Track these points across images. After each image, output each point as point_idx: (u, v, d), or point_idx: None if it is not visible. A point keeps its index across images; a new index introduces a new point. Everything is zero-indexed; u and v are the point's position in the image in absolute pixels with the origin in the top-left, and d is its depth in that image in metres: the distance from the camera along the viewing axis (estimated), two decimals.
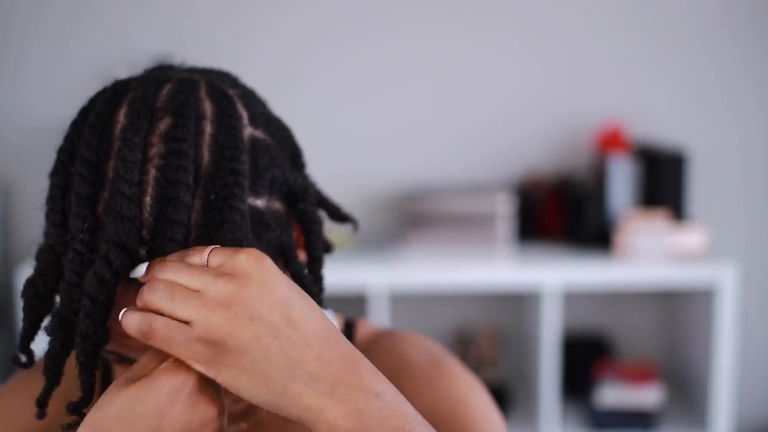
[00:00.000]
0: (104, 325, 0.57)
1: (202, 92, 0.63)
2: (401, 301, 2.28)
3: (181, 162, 0.59)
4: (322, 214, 0.73)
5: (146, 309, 0.56)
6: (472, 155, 2.30)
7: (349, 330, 0.80)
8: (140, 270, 0.57)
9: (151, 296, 0.55)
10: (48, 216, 0.61)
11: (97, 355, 0.57)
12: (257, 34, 2.24)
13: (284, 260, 0.65)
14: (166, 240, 0.58)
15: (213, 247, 0.57)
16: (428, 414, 0.72)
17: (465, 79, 2.28)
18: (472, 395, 0.75)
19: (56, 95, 2.25)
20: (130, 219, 0.57)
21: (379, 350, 0.77)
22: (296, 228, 0.69)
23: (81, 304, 0.57)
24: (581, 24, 2.26)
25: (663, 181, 2.11)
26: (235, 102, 0.64)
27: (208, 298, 0.54)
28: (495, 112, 2.29)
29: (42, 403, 0.61)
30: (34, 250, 0.62)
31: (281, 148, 0.67)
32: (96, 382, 0.59)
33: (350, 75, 2.26)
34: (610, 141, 2.16)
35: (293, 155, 0.69)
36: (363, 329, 0.81)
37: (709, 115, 2.29)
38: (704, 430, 2.06)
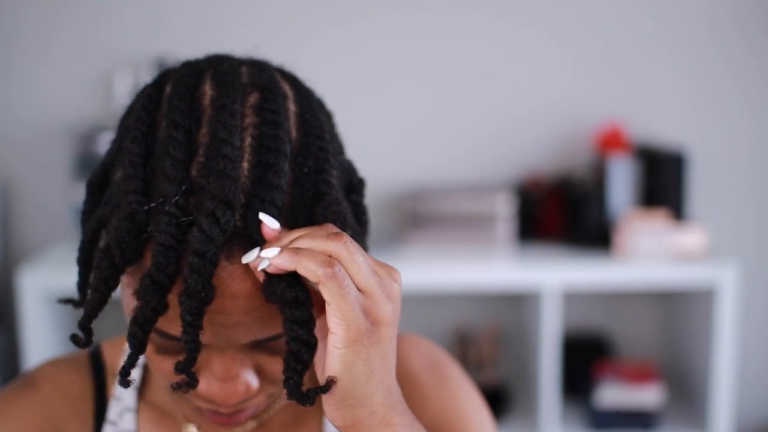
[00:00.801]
0: (211, 283, 0.56)
1: (278, 75, 0.66)
2: (401, 301, 2.28)
3: (277, 131, 0.60)
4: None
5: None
6: (472, 155, 2.30)
7: None
8: (253, 254, 0.57)
9: (339, 247, 0.56)
10: (129, 183, 0.60)
11: (202, 313, 0.56)
12: (256, 31, 2.24)
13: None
14: (265, 203, 0.58)
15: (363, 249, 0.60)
16: (434, 426, 0.75)
17: (465, 80, 2.28)
18: (474, 411, 0.78)
19: (56, 95, 2.25)
20: (233, 178, 0.57)
21: None
22: None
23: (178, 265, 0.56)
24: (581, 24, 2.26)
25: (663, 181, 2.11)
26: (308, 89, 0.68)
27: (385, 285, 0.59)
28: (495, 112, 2.29)
29: (126, 372, 0.58)
30: (102, 218, 0.61)
31: (338, 137, 0.70)
32: (199, 343, 0.57)
33: (350, 75, 2.26)
34: (610, 141, 2.16)
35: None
36: None
37: (709, 115, 2.29)
38: (704, 430, 2.06)
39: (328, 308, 0.56)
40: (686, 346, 2.22)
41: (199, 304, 0.55)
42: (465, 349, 2.24)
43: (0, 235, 2.24)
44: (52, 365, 0.80)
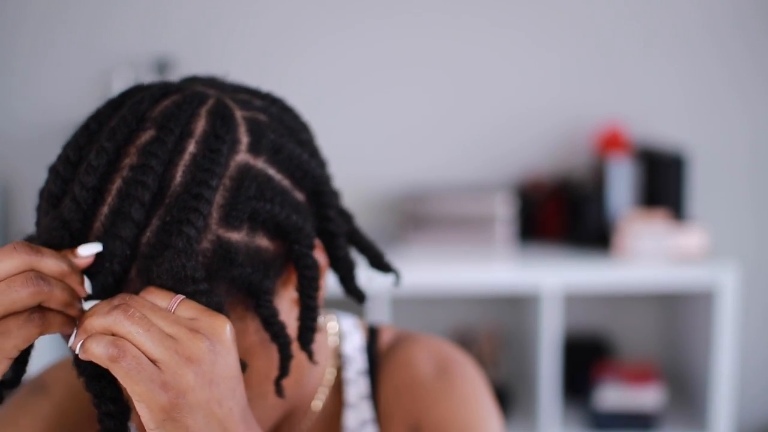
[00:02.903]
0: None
1: (204, 109, 0.61)
2: (401, 302, 2.28)
3: (144, 177, 0.57)
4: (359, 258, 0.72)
5: (107, 333, 0.54)
6: (472, 156, 2.30)
7: (372, 338, 0.80)
8: (87, 305, 0.56)
9: (124, 322, 0.53)
10: (36, 208, 0.61)
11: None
12: (256, 32, 2.24)
13: (255, 302, 0.61)
14: (106, 252, 0.56)
15: (181, 297, 0.56)
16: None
17: (465, 80, 2.28)
18: (482, 416, 0.75)
19: (56, 96, 2.25)
20: (67, 222, 0.56)
21: (394, 360, 0.78)
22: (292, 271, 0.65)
23: None
24: (581, 24, 2.26)
25: (663, 182, 2.11)
26: (238, 126, 0.62)
27: (183, 349, 0.53)
28: (495, 112, 2.29)
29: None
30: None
31: (291, 182, 0.64)
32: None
33: (350, 76, 2.26)
34: (610, 141, 2.16)
35: (315, 193, 0.67)
36: (386, 336, 0.80)
37: (709, 115, 2.29)
38: (704, 430, 2.06)
39: (127, 391, 0.53)
40: (686, 347, 2.22)
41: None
42: (465, 349, 2.23)
43: (0, 235, 2.24)
44: (63, 367, 0.79)
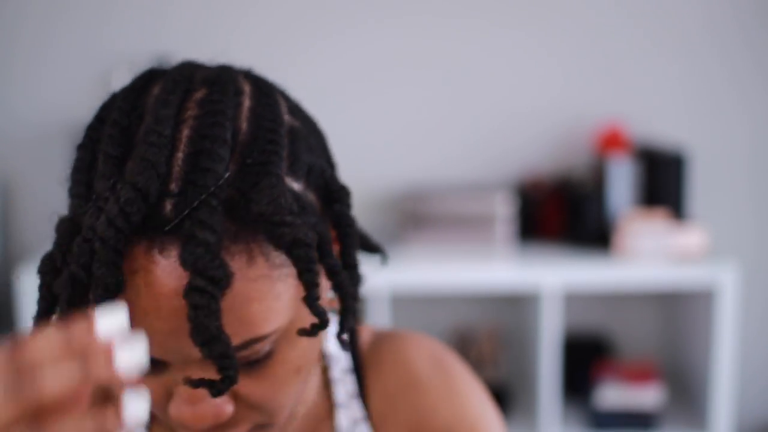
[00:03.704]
0: (117, 271, 0.51)
1: (241, 76, 0.63)
2: (401, 301, 2.28)
3: (218, 119, 0.56)
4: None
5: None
6: (472, 155, 2.30)
7: (351, 335, 0.80)
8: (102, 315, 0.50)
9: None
10: (71, 189, 0.58)
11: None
12: (256, 32, 2.24)
13: (320, 253, 0.59)
14: (197, 187, 0.53)
15: None
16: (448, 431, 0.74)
17: (465, 80, 2.28)
18: (485, 415, 0.76)
19: (56, 96, 2.25)
20: (153, 164, 0.53)
21: (383, 359, 0.77)
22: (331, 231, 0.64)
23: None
24: (581, 24, 2.26)
25: (663, 181, 2.11)
26: (275, 90, 0.63)
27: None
28: (495, 112, 2.29)
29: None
30: (55, 223, 0.59)
31: (318, 147, 0.65)
32: None
33: (350, 75, 2.26)
34: (610, 141, 2.16)
35: (328, 161, 0.67)
36: (364, 334, 0.80)
37: (709, 115, 2.29)
38: (704, 430, 2.06)
39: None
40: (686, 346, 2.22)
41: (106, 294, 0.51)
42: (465, 349, 2.24)
43: (0, 235, 2.24)
44: None
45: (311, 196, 0.61)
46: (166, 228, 0.52)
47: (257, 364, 0.58)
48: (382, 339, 0.79)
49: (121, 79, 2.19)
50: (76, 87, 2.25)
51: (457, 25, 2.26)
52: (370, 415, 0.76)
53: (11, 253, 2.28)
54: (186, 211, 0.53)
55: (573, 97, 2.28)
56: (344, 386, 0.76)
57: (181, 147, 0.56)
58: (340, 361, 0.77)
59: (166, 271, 0.52)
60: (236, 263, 0.54)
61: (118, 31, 2.24)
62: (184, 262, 0.51)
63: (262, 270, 0.55)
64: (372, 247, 0.74)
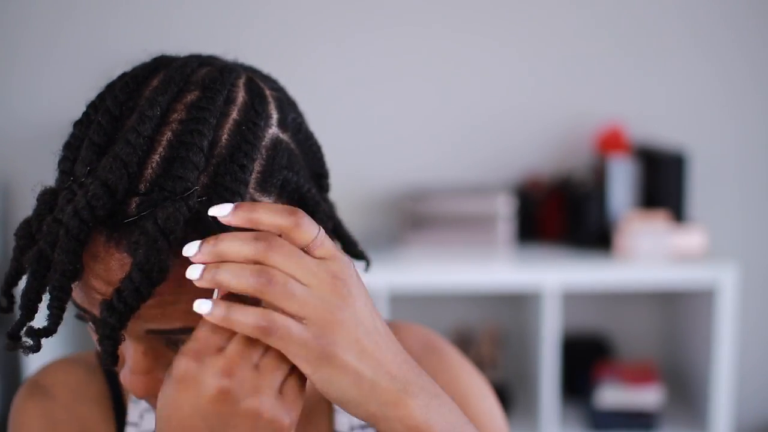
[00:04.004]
0: (77, 259, 0.56)
1: (240, 82, 0.64)
2: (401, 301, 2.28)
3: (199, 127, 0.59)
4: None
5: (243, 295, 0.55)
6: (472, 156, 2.30)
7: None
8: (192, 248, 0.55)
9: (271, 290, 0.54)
10: (60, 161, 0.61)
11: (69, 290, 0.56)
12: (256, 32, 2.24)
13: None
14: (165, 192, 0.56)
15: (320, 230, 0.57)
16: None
17: (465, 80, 2.28)
18: (476, 388, 0.79)
19: (56, 96, 2.25)
20: (125, 164, 0.56)
21: None
22: None
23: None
24: (581, 24, 2.26)
25: (663, 182, 2.12)
26: (269, 102, 0.64)
27: (324, 298, 0.55)
28: (495, 112, 2.29)
29: (11, 336, 0.59)
30: (38, 192, 0.61)
31: (305, 161, 0.67)
32: (62, 317, 0.57)
33: (350, 75, 2.26)
34: (610, 141, 2.16)
35: (318, 175, 0.69)
36: None
37: (709, 115, 2.29)
38: (704, 430, 2.06)
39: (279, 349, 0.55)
40: (686, 346, 2.22)
41: (63, 279, 0.55)
42: (465, 349, 2.24)
43: (0, 235, 2.24)
44: (62, 370, 0.79)
45: None
46: (125, 221, 0.56)
47: None
48: None
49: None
50: (76, 87, 2.25)
51: (456, 25, 2.26)
52: None
53: (11, 253, 2.27)
54: (145, 212, 0.56)
55: (573, 97, 2.28)
56: None
57: (159, 149, 0.58)
58: None
59: (119, 263, 0.56)
60: (182, 270, 0.56)
61: (119, 31, 2.24)
62: (132, 254, 0.55)
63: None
64: (357, 254, 0.75)
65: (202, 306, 0.55)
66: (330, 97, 2.25)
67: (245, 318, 0.54)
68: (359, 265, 0.77)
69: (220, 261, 0.55)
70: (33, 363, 1.97)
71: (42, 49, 2.25)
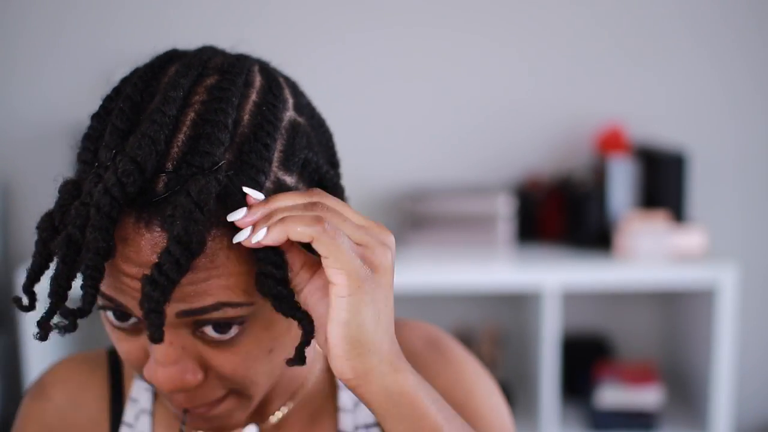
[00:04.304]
0: (109, 237, 0.56)
1: (256, 68, 0.66)
2: (401, 301, 2.28)
3: (222, 105, 0.60)
4: None
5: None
6: (472, 156, 2.30)
7: None
8: (239, 214, 0.57)
9: (323, 211, 0.57)
10: (80, 153, 0.62)
11: (102, 269, 0.56)
12: (256, 32, 2.24)
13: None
14: (192, 168, 0.57)
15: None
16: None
17: (465, 79, 2.28)
18: (480, 383, 0.80)
19: (56, 96, 2.25)
20: (153, 141, 0.57)
21: None
22: None
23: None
24: (581, 24, 2.26)
25: (663, 182, 2.12)
26: (283, 87, 0.66)
27: (377, 234, 0.60)
28: (495, 112, 2.29)
29: (41, 325, 0.58)
30: (59, 184, 0.61)
31: (319, 145, 0.68)
32: (96, 297, 0.56)
33: (349, 75, 2.26)
34: (610, 141, 2.16)
35: (330, 164, 0.70)
36: None
37: (709, 115, 2.29)
38: (704, 430, 2.06)
39: (325, 262, 0.57)
40: (686, 346, 2.22)
41: (96, 257, 0.55)
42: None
43: (0, 235, 2.24)
44: (67, 367, 0.80)
45: (303, 189, 0.64)
46: (154, 200, 0.56)
47: (230, 340, 0.61)
48: None
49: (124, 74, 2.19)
50: (77, 87, 2.25)
51: (457, 25, 2.26)
52: None
53: (11, 253, 2.28)
54: (176, 189, 0.56)
55: (573, 97, 2.28)
56: None
57: (184, 129, 0.59)
58: None
59: (150, 243, 0.57)
60: (216, 244, 0.58)
61: (120, 31, 2.24)
62: (168, 229, 0.55)
63: (232, 253, 0.59)
64: None
65: (259, 235, 0.57)
66: (330, 96, 2.25)
67: (300, 221, 0.56)
68: None
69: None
70: (33, 363, 1.97)
71: (42, 49, 2.25)
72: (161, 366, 0.60)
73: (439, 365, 0.78)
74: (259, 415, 0.75)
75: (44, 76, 2.25)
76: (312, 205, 0.58)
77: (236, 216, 0.57)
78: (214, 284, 0.58)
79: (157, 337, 0.55)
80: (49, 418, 0.77)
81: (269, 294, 0.58)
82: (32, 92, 2.26)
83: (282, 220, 0.57)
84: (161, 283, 0.54)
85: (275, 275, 0.58)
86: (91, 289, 0.56)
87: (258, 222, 0.57)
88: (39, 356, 1.96)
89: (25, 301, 0.60)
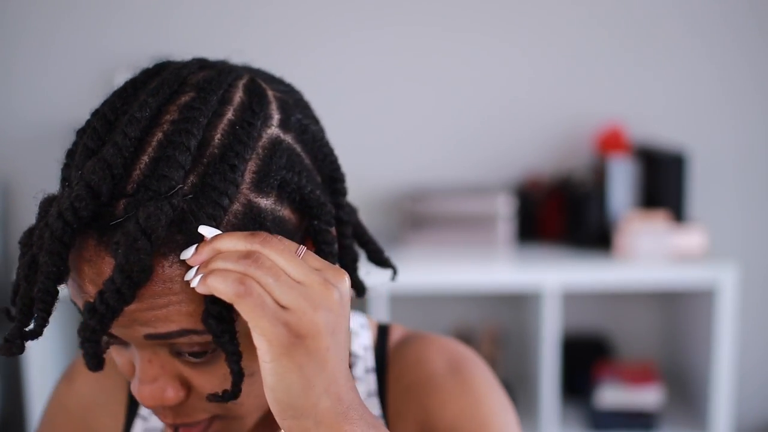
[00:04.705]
0: (62, 261, 0.55)
1: (240, 83, 0.64)
2: (401, 301, 2.28)
3: (188, 126, 0.58)
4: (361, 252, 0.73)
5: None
6: (472, 156, 2.30)
7: (383, 335, 0.80)
8: (188, 252, 0.56)
9: (255, 269, 0.54)
10: (62, 170, 0.61)
11: (54, 292, 0.56)
12: (256, 32, 2.24)
13: None
14: (150, 192, 0.56)
15: (304, 248, 0.58)
16: (454, 429, 0.73)
17: (465, 80, 2.28)
18: (499, 417, 0.75)
19: (56, 96, 2.25)
20: (109, 165, 0.56)
21: (404, 359, 0.78)
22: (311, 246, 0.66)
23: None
24: (581, 24, 2.26)
25: (663, 182, 2.12)
26: (270, 102, 0.64)
27: (315, 296, 0.56)
28: (495, 112, 2.29)
29: (8, 340, 0.58)
30: (40, 200, 0.61)
31: (312, 162, 0.66)
32: (48, 320, 0.57)
33: (350, 75, 2.26)
34: (610, 141, 2.16)
35: (331, 178, 0.69)
36: (395, 334, 0.81)
37: (709, 115, 2.29)
38: (704, 430, 2.06)
39: (248, 324, 0.55)
40: (686, 346, 2.22)
41: (47, 281, 0.55)
42: None
43: (0, 235, 2.24)
44: None
45: (285, 211, 0.62)
46: (111, 223, 0.56)
47: (208, 361, 0.60)
48: (408, 339, 0.80)
49: (122, 80, 2.19)
50: (77, 87, 2.25)
51: (457, 25, 2.26)
52: (386, 413, 0.76)
53: (11, 253, 2.28)
54: (132, 213, 0.55)
55: (573, 97, 2.28)
56: (364, 385, 0.77)
57: (149, 150, 0.58)
58: (366, 360, 0.78)
59: (110, 266, 0.56)
60: (174, 271, 0.56)
61: (120, 32, 2.24)
62: (114, 257, 0.54)
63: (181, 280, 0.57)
64: (382, 262, 0.75)
65: (188, 274, 0.55)
66: (330, 97, 2.25)
67: (226, 278, 0.54)
68: (385, 273, 0.76)
69: (217, 257, 0.55)
70: (33, 363, 1.97)
71: (42, 49, 2.25)
72: (141, 383, 0.60)
73: (457, 391, 0.75)
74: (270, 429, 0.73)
75: (44, 76, 2.25)
76: (247, 255, 0.55)
77: (185, 255, 0.56)
78: (174, 310, 0.56)
79: (92, 366, 0.56)
80: (71, 403, 0.79)
81: (207, 329, 0.57)
82: (32, 92, 2.26)
83: (210, 272, 0.55)
84: (100, 312, 0.54)
85: (213, 312, 0.56)
86: (42, 313, 0.56)
87: (201, 264, 0.56)
88: (39, 356, 1.96)
89: (13, 311, 0.60)
